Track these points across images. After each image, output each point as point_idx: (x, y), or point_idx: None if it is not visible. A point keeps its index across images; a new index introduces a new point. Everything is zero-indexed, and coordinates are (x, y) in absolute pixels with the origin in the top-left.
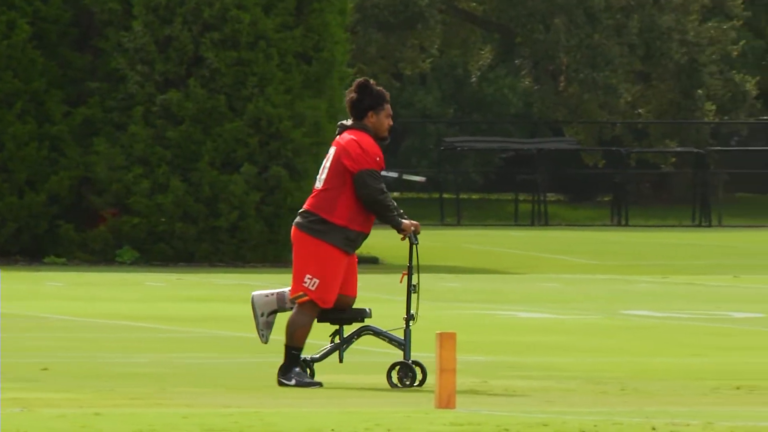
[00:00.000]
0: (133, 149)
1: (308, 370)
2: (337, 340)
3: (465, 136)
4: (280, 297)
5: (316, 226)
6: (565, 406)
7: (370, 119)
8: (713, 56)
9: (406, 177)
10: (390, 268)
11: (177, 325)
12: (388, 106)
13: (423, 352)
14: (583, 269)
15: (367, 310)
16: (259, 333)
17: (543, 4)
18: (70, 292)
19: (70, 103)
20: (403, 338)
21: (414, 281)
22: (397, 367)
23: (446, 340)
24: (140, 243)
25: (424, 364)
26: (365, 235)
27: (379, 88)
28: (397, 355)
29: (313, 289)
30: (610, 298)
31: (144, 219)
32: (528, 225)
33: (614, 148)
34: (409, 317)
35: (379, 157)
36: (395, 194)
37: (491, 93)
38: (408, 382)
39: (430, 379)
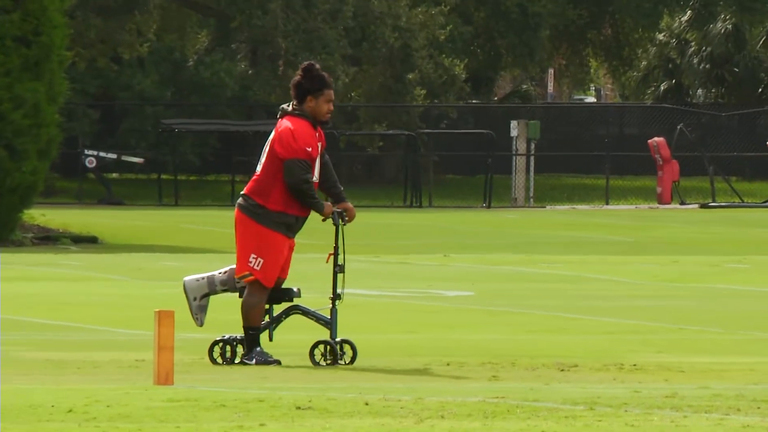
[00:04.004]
0: None
1: (229, 348)
2: (267, 319)
3: (182, 119)
4: (211, 280)
5: (257, 210)
6: (280, 382)
7: (309, 103)
8: (423, 41)
9: (125, 159)
10: (110, 248)
11: None
12: (328, 92)
13: (142, 329)
14: (296, 249)
15: (295, 290)
16: (193, 317)
17: None
18: None
19: None
20: (329, 317)
21: (340, 261)
22: (321, 346)
23: (165, 318)
24: None
25: (354, 342)
26: (303, 219)
27: (321, 72)
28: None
29: (258, 268)
30: (323, 277)
31: None
32: None
33: (328, 130)
34: (336, 297)
35: (310, 147)
36: (114, 175)
37: (208, 77)
38: (330, 362)
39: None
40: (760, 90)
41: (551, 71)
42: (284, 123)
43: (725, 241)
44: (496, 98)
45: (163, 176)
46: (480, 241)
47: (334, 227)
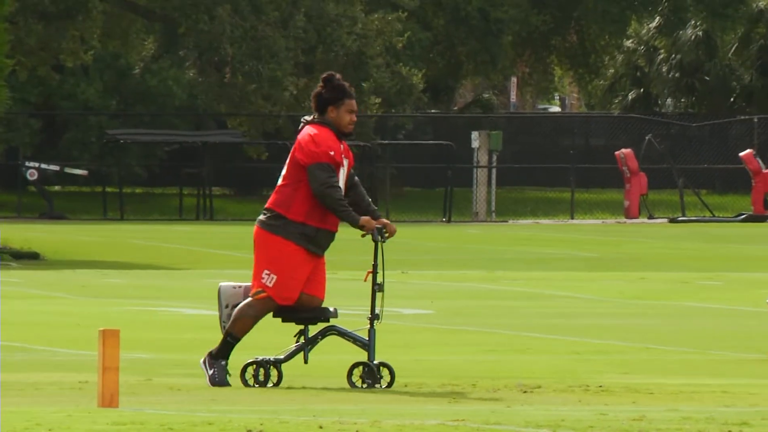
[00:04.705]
0: None
1: (276, 371)
2: (302, 340)
3: (128, 129)
4: (247, 290)
5: (273, 221)
6: (229, 405)
7: (330, 114)
8: (379, 48)
9: (68, 171)
10: (52, 264)
11: None
12: (350, 101)
13: (86, 349)
14: (247, 264)
15: (332, 309)
16: (221, 324)
17: None
18: None
19: None
20: (367, 339)
21: (379, 280)
22: (359, 368)
23: (109, 337)
24: None
25: (392, 365)
26: (328, 233)
27: (341, 82)
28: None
29: (270, 285)
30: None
31: None
32: (193, 219)
33: (280, 142)
34: (374, 317)
35: (333, 151)
36: (56, 188)
37: (155, 85)
38: (369, 384)
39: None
40: (731, 99)
41: (514, 79)
42: (305, 130)
43: (695, 257)
44: (456, 108)
45: (108, 189)
46: (439, 257)
47: (374, 244)
